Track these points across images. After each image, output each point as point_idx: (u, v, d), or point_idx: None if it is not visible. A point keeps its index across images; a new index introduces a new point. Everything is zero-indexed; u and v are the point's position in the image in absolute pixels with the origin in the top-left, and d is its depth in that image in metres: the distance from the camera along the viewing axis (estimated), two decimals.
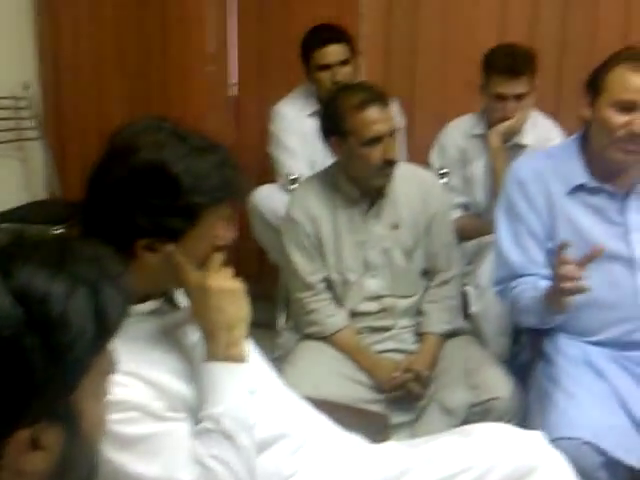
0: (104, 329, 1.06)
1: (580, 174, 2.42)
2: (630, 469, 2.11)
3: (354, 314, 2.84)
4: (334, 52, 3.64)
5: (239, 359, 1.58)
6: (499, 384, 2.62)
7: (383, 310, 2.84)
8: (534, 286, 2.34)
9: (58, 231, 3.86)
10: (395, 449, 1.89)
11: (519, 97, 3.35)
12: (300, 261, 2.82)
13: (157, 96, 4.58)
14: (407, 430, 2.65)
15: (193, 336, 1.63)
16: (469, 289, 3.18)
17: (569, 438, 2.08)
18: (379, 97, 2.71)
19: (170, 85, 4.58)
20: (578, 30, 3.79)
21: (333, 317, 2.81)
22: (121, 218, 1.50)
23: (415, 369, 2.69)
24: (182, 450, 1.49)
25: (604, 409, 2.22)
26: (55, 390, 1.02)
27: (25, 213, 4.34)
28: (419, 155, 3.76)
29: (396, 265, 2.82)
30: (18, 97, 4.59)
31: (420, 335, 2.85)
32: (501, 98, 3.35)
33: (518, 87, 3.33)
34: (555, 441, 1.97)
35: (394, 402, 2.71)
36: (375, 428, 2.20)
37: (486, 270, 2.95)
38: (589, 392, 2.27)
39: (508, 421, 2.41)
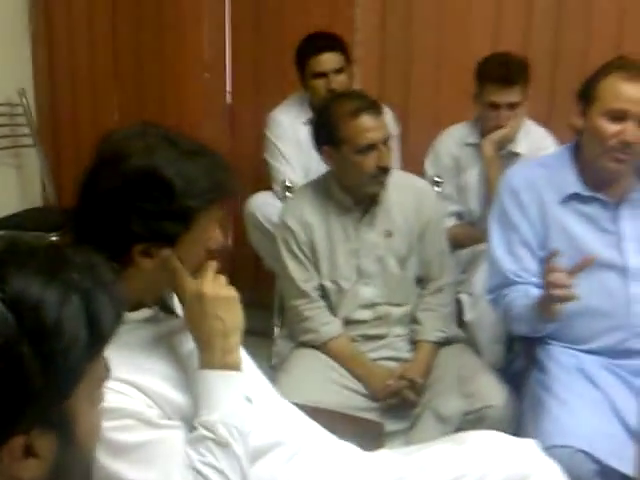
0: (98, 336, 1.06)
1: (573, 183, 2.43)
2: (624, 477, 2.12)
3: (348, 322, 2.84)
4: (329, 60, 3.65)
5: (234, 367, 1.58)
6: (493, 392, 2.62)
7: (377, 318, 2.84)
8: (526, 294, 2.34)
9: (54, 238, 3.86)
10: (389, 457, 1.89)
11: (512, 106, 3.36)
12: (294, 269, 2.83)
13: (153, 103, 4.58)
14: (401, 438, 2.65)
15: (188, 344, 1.63)
16: (463, 297, 3.19)
17: (563, 446, 2.09)
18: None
19: (166, 92, 4.58)
20: (571, 40, 3.80)
21: (328, 325, 2.81)
22: (116, 225, 1.50)
23: (409, 377, 2.70)
24: (176, 457, 1.49)
25: (597, 417, 2.23)
26: (49, 397, 1.02)
27: (20, 220, 4.34)
28: (413, 163, 3.77)
29: (390, 273, 2.83)
30: (13, 104, 4.59)
31: (414, 343, 2.85)
32: (494, 107, 3.37)
33: (511, 96, 3.34)
34: (549, 449, 1.97)
35: (388, 410, 2.71)
36: (369, 436, 2.20)
37: (480, 278, 2.95)
38: (582, 400, 2.27)
39: (502, 429, 2.39)
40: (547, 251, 2.35)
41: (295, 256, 2.82)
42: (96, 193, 1.53)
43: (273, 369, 2.98)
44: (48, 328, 1.00)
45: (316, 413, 1.94)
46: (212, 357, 1.57)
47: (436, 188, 3.45)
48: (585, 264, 2.14)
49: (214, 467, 1.49)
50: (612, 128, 2.29)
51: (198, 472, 1.48)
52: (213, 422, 1.51)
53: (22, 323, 0.99)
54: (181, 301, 1.62)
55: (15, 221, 4.28)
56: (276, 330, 3.59)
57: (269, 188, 3.84)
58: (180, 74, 4.54)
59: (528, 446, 1.85)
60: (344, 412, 2.45)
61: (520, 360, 2.66)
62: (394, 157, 3.57)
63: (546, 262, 2.19)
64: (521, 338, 2.60)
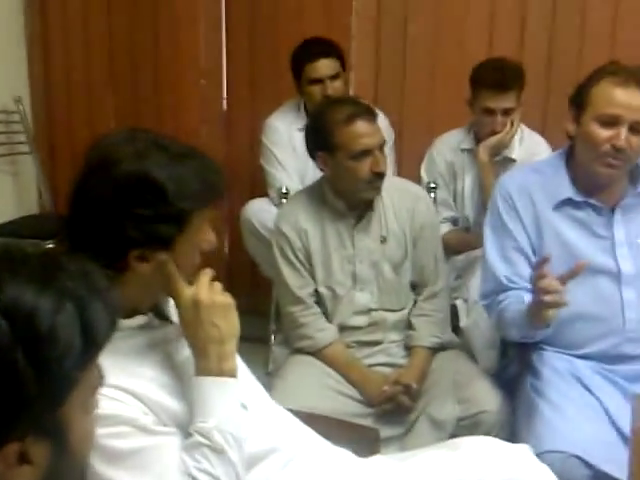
0: (92, 343, 1.07)
1: (566, 188, 2.43)
2: None
3: (344, 328, 2.84)
4: (325, 66, 3.66)
5: (230, 374, 1.59)
6: (488, 398, 2.63)
7: (373, 324, 2.84)
8: (519, 300, 2.34)
9: (50, 245, 3.86)
10: (383, 463, 1.89)
11: (507, 112, 3.37)
12: (289, 275, 2.83)
13: (149, 110, 4.58)
14: (396, 444, 2.65)
15: (184, 350, 1.63)
16: (458, 303, 3.19)
17: (556, 451, 2.10)
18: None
19: (162, 99, 4.59)
20: (565, 46, 3.81)
21: (323, 331, 2.82)
22: (111, 231, 1.50)
23: (404, 382, 2.70)
24: (172, 464, 1.49)
25: (591, 422, 2.23)
26: (43, 404, 1.02)
27: (17, 227, 4.33)
28: (408, 169, 3.79)
29: (385, 278, 2.83)
30: (9, 111, 4.59)
31: (409, 349, 2.85)
32: (489, 112, 3.38)
33: (506, 102, 3.35)
34: (542, 454, 1.98)
35: (384, 416, 2.71)
36: (364, 442, 2.20)
37: (475, 284, 2.94)
38: (576, 405, 2.28)
39: (496, 434, 2.42)
40: (541, 257, 2.36)
41: (290, 262, 2.82)
42: (89, 201, 1.53)
43: (270, 376, 2.99)
44: (42, 335, 1.01)
45: (311, 419, 1.95)
46: (208, 364, 1.57)
47: (431, 194, 3.46)
48: (578, 270, 2.15)
49: (210, 474, 1.49)
50: (604, 133, 2.30)
51: (194, 479, 1.48)
52: (209, 429, 1.51)
53: (16, 330, 0.99)
54: (177, 306, 1.62)
55: (11, 228, 4.27)
56: (272, 337, 3.59)
57: (265, 194, 3.85)
58: (176, 81, 4.54)
59: (522, 451, 1.85)
60: (339, 418, 2.45)
61: (514, 365, 2.67)
62: (389, 163, 3.57)
63: (536, 268, 2.19)
64: (515, 344, 2.60)
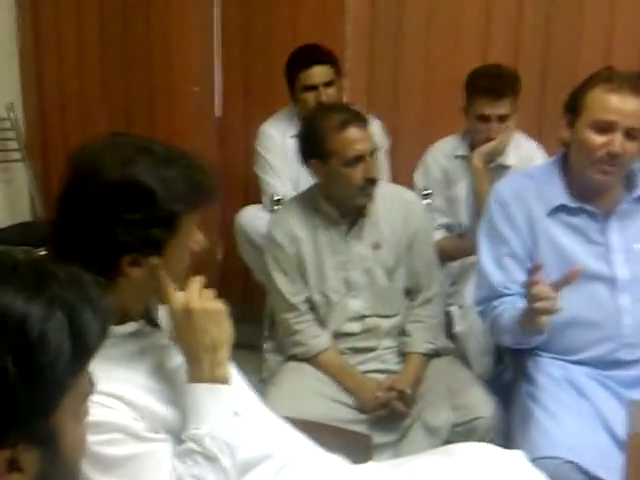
0: (82, 351, 1.06)
1: (560, 194, 2.44)
2: None
3: (337, 335, 2.84)
4: (319, 73, 3.66)
5: (223, 380, 1.59)
6: (482, 404, 2.64)
7: (367, 331, 2.84)
8: (514, 306, 2.34)
9: (42, 253, 3.85)
10: (377, 469, 1.88)
11: (502, 118, 3.37)
12: (283, 282, 2.83)
13: (142, 117, 4.59)
14: (391, 450, 2.65)
15: (175, 357, 1.63)
16: (453, 309, 3.19)
17: (551, 457, 2.10)
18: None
19: (155, 106, 4.60)
20: (560, 52, 3.82)
21: (317, 338, 2.82)
22: (102, 238, 1.50)
23: (398, 388, 2.69)
24: (164, 471, 1.49)
25: (586, 428, 2.23)
26: (34, 412, 1.02)
27: (9, 234, 4.33)
28: (403, 175, 3.78)
29: (378, 285, 2.83)
30: (1, 119, 4.60)
31: (403, 355, 2.85)
32: (484, 119, 3.38)
33: (501, 108, 3.35)
34: (537, 460, 1.98)
35: (378, 422, 2.71)
36: (358, 449, 2.19)
37: (470, 291, 2.95)
38: (571, 411, 2.28)
39: (490, 441, 2.41)
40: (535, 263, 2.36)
41: (283, 269, 2.83)
42: (77, 209, 1.53)
43: (263, 383, 2.98)
44: (32, 343, 1.00)
45: (304, 426, 1.94)
46: (201, 371, 1.57)
47: (425, 200, 3.46)
48: (572, 276, 2.15)
49: None
50: (599, 139, 2.30)
51: None
52: (201, 436, 1.51)
53: (6, 338, 0.99)
54: (169, 313, 1.61)
55: (3, 236, 4.27)
56: (266, 344, 3.58)
57: (259, 201, 3.85)
58: (169, 88, 4.55)
59: (516, 458, 1.85)
60: (333, 425, 2.45)
61: (509, 372, 2.67)
62: (383, 170, 3.58)
63: (529, 275, 2.19)
64: (510, 350, 2.60)
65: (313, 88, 3.65)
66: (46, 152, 4.84)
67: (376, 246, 2.82)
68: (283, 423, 1.87)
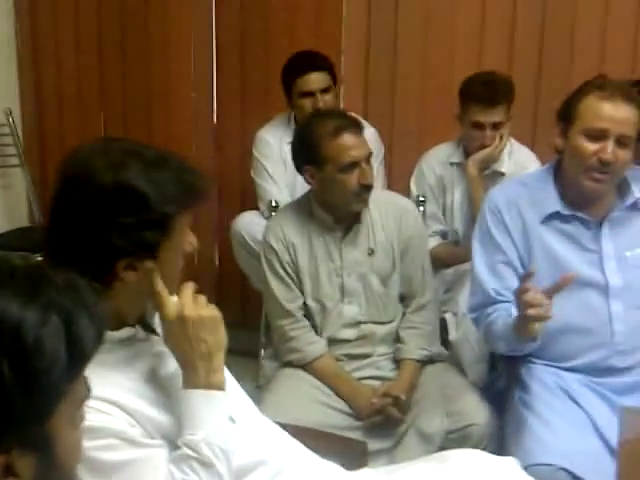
0: (78, 356, 1.07)
1: (554, 202, 2.44)
2: None
3: (333, 341, 2.84)
4: (316, 80, 3.66)
5: (218, 387, 1.59)
6: (476, 411, 2.64)
7: (362, 337, 2.84)
8: (508, 313, 2.34)
9: (40, 258, 3.85)
10: (371, 476, 1.89)
11: (496, 125, 3.38)
12: (278, 288, 2.83)
13: (139, 122, 4.60)
14: (385, 457, 2.65)
15: (170, 363, 1.63)
16: (448, 316, 3.20)
17: (544, 464, 2.11)
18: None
19: (153, 111, 4.60)
20: (554, 60, 3.82)
21: (312, 344, 2.82)
22: (96, 243, 1.50)
23: (393, 394, 2.69)
24: (160, 476, 1.49)
25: (579, 435, 2.24)
26: (30, 417, 1.02)
27: (6, 240, 4.32)
28: (398, 182, 3.80)
29: (373, 291, 2.84)
30: (0, 124, 4.59)
31: (398, 362, 2.85)
32: (478, 126, 3.39)
33: (495, 115, 3.36)
34: (530, 467, 1.99)
35: (372, 429, 2.71)
36: (353, 455, 2.20)
37: (465, 298, 2.94)
38: (564, 418, 2.29)
39: (484, 447, 2.42)
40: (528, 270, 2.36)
41: (279, 276, 2.83)
42: (70, 215, 1.53)
43: (259, 389, 2.99)
44: (28, 348, 1.00)
45: (299, 432, 1.95)
46: (196, 378, 1.57)
47: (420, 207, 3.47)
48: (564, 283, 2.15)
49: None
50: (591, 147, 2.31)
51: None
52: (197, 442, 1.52)
53: (2, 343, 0.99)
54: (161, 320, 1.61)
55: (1, 241, 4.26)
56: (262, 350, 3.59)
57: (256, 207, 3.85)
58: (167, 93, 4.55)
59: (509, 464, 1.86)
60: (328, 431, 2.45)
61: (503, 379, 2.67)
62: (379, 177, 3.58)
63: (521, 281, 2.19)
64: (504, 357, 2.60)
65: (310, 94, 3.66)
66: (44, 157, 4.85)
67: (371, 252, 2.82)
68: (278, 429, 1.88)
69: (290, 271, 2.82)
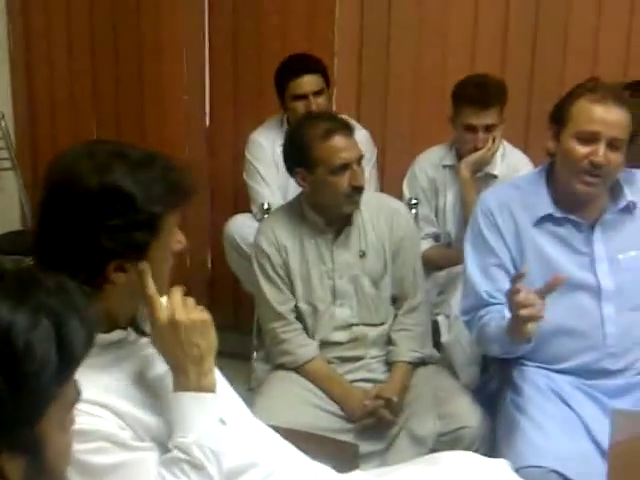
0: (68, 359, 1.07)
1: (546, 205, 2.45)
2: None
3: (325, 344, 2.84)
4: (309, 82, 3.67)
5: (209, 389, 1.58)
6: (468, 413, 2.64)
7: (353, 339, 2.84)
8: (501, 315, 2.34)
9: (31, 262, 3.84)
10: (363, 478, 1.89)
11: (489, 128, 3.38)
12: (270, 291, 2.83)
13: (132, 125, 4.59)
14: (377, 459, 2.64)
15: (160, 365, 1.62)
16: (440, 319, 3.20)
17: (536, 466, 2.11)
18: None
19: (145, 114, 4.60)
20: (547, 62, 3.82)
21: (304, 347, 2.82)
22: (86, 247, 1.50)
23: (385, 396, 2.69)
24: (151, 479, 1.49)
25: (570, 437, 2.24)
26: (20, 420, 1.02)
27: None
28: (390, 185, 3.80)
29: (365, 293, 2.84)
30: None
31: (390, 364, 2.85)
32: (471, 129, 3.39)
33: (488, 118, 3.36)
34: (522, 469, 1.99)
35: (364, 431, 2.71)
36: (344, 457, 2.20)
37: (457, 300, 2.94)
38: (556, 421, 2.29)
39: (476, 450, 2.42)
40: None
41: (270, 279, 2.83)
42: (59, 219, 1.53)
43: (251, 392, 2.98)
44: (18, 351, 1.00)
45: (291, 434, 1.95)
46: (187, 381, 1.56)
47: (413, 210, 3.47)
48: (555, 283, 2.15)
49: None
50: (583, 150, 2.31)
51: None
52: (188, 444, 1.51)
53: None
54: (151, 323, 1.61)
55: None
56: (255, 353, 3.59)
57: (248, 209, 3.85)
58: (159, 96, 4.55)
59: (500, 466, 1.86)
60: (320, 434, 2.45)
61: (495, 381, 2.67)
62: (371, 179, 3.59)
63: (512, 283, 2.20)
64: (496, 359, 2.60)
65: (303, 97, 3.66)
66: (36, 160, 4.83)
67: (362, 254, 2.83)
68: (270, 432, 1.87)
69: (282, 274, 2.82)
